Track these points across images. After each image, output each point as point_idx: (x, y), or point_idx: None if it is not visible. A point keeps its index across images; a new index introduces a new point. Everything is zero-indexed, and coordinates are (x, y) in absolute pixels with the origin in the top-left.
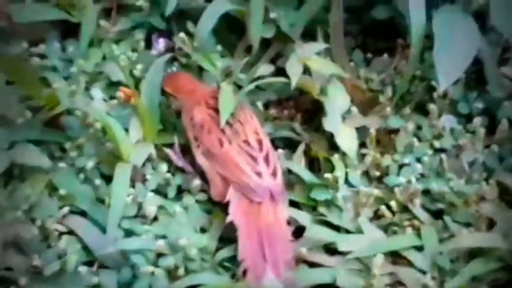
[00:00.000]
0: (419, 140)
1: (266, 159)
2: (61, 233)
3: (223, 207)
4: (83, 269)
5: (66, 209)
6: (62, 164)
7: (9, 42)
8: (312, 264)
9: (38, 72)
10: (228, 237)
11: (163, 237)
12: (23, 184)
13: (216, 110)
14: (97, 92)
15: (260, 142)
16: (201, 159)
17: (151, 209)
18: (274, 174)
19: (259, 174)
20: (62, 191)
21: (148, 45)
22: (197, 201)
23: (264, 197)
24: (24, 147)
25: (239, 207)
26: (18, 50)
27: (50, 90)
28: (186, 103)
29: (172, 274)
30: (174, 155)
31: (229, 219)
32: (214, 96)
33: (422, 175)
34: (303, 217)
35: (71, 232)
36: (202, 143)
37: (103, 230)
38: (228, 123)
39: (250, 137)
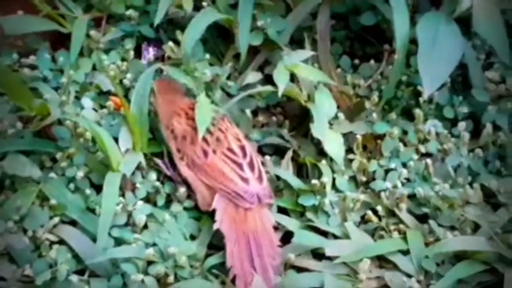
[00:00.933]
0: (405, 145)
1: (250, 164)
2: (52, 243)
3: (211, 214)
4: (74, 277)
5: (57, 219)
6: (52, 174)
7: (0, 54)
8: (300, 269)
9: (28, 83)
10: (217, 244)
11: (153, 245)
12: (14, 194)
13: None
14: (87, 101)
15: (243, 148)
16: (185, 171)
17: (140, 218)
18: (259, 178)
19: (245, 180)
20: (52, 201)
21: (138, 54)
22: (185, 208)
23: (253, 202)
24: (15, 157)
25: (225, 215)
26: (9, 61)
27: (40, 101)
28: (164, 113)
29: (162, 281)
30: (163, 165)
31: (215, 226)
32: (193, 107)
33: (408, 180)
34: (291, 223)
35: (62, 241)
36: (185, 154)
37: (94, 239)
38: (209, 132)
39: (232, 144)
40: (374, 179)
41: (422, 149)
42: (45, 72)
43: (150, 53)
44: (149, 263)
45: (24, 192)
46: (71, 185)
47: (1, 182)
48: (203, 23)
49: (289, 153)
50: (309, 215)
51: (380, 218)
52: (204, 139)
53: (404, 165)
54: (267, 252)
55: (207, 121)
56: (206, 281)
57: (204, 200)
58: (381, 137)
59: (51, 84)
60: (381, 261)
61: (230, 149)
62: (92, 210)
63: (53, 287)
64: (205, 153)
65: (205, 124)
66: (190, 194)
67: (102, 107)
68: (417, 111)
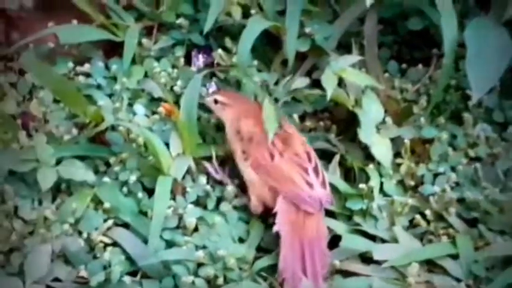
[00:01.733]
0: (454, 149)
1: (315, 169)
2: (106, 245)
3: (261, 217)
4: (127, 279)
5: (110, 222)
6: (106, 178)
7: (56, 62)
8: (348, 274)
9: (83, 90)
10: (266, 247)
11: (203, 247)
12: (69, 198)
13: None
14: (140, 108)
15: (308, 153)
16: (248, 172)
17: (191, 221)
18: (323, 184)
19: (310, 185)
20: (106, 204)
21: (188, 61)
22: (235, 207)
23: (316, 207)
24: (70, 162)
25: (286, 218)
26: (65, 70)
27: (95, 108)
28: (233, 115)
29: (212, 283)
30: (211, 168)
31: (275, 228)
32: (260, 110)
33: (457, 184)
34: (338, 227)
35: (115, 244)
36: (250, 155)
37: (146, 241)
38: (276, 135)
39: (298, 148)
40: (422, 183)
41: (472, 153)
42: (99, 79)
43: (200, 60)
44: (200, 265)
45: (80, 195)
46: (124, 189)
47: (57, 186)
48: (254, 31)
49: (337, 158)
50: (356, 219)
51: (428, 222)
52: (272, 142)
53: (453, 169)
54: (319, 260)
55: (275, 125)
56: (255, 283)
57: (260, 202)
58: (430, 141)
59: (105, 92)
60: (430, 265)
61: (296, 153)
62: (145, 213)
63: None
64: (272, 155)
65: (273, 128)
66: (238, 194)
67: (154, 113)
68: (466, 115)
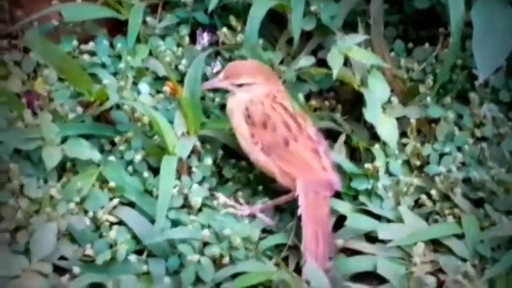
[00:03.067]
0: (460, 128)
1: (326, 152)
2: (112, 224)
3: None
4: (133, 257)
5: (116, 201)
6: (111, 157)
7: (61, 40)
8: (352, 253)
9: (88, 68)
10: (270, 228)
11: (208, 226)
12: (75, 177)
13: (283, 106)
14: (144, 87)
15: (317, 135)
16: (258, 156)
17: (196, 200)
18: (333, 166)
19: (325, 168)
20: (112, 183)
21: (193, 40)
22: None
23: (332, 190)
24: (76, 141)
25: (307, 200)
26: (69, 48)
27: (99, 86)
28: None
29: (217, 262)
30: (237, 207)
31: (300, 212)
32: (280, 90)
33: (463, 164)
34: (343, 206)
35: (121, 222)
36: (262, 140)
37: (151, 220)
38: (292, 117)
39: (310, 131)
40: (428, 163)
41: (478, 133)
42: (103, 58)
43: (204, 38)
44: (205, 244)
45: (85, 174)
46: (130, 168)
47: (63, 165)
48: (261, 10)
49: (342, 138)
50: (362, 198)
51: (434, 202)
52: (287, 126)
53: (459, 149)
54: (330, 240)
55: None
56: (260, 262)
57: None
58: (436, 121)
59: (109, 70)
60: (436, 245)
61: (309, 137)
62: (150, 193)
63: (112, 267)
64: (286, 141)
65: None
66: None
67: (158, 92)
68: (473, 95)
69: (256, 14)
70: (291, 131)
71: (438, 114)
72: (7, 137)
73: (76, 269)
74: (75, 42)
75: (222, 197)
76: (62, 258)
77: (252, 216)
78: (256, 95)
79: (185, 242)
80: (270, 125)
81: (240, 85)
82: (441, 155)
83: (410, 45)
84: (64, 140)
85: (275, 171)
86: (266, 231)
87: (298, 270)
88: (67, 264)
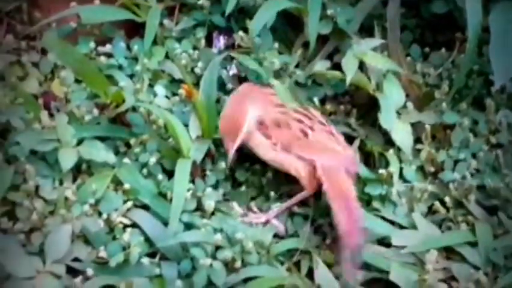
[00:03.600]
0: (475, 135)
1: (338, 132)
2: (125, 226)
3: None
4: (146, 260)
5: (130, 203)
6: (126, 160)
7: (78, 42)
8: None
9: (104, 70)
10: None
11: (221, 230)
12: (90, 179)
13: (283, 106)
14: (160, 89)
15: (325, 119)
16: (279, 157)
17: (209, 204)
18: (347, 145)
19: (344, 148)
20: (126, 186)
21: (209, 43)
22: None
23: (354, 164)
24: (91, 143)
25: (331, 180)
26: (86, 50)
27: (116, 88)
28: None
29: (229, 266)
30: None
31: (325, 190)
32: (274, 93)
33: (478, 170)
34: None
35: (134, 225)
36: (280, 139)
37: (165, 223)
38: (297, 112)
39: (319, 117)
40: (442, 170)
41: (493, 139)
42: (120, 60)
43: (221, 41)
44: (218, 248)
45: (100, 176)
46: (144, 170)
47: (78, 167)
48: (271, 10)
49: (357, 142)
50: (375, 204)
51: (448, 209)
52: (298, 119)
53: (474, 156)
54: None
55: (289, 98)
56: (272, 267)
57: (306, 181)
58: (451, 127)
59: (126, 72)
60: (449, 252)
61: (320, 122)
62: (164, 196)
63: (125, 269)
64: (305, 132)
65: (288, 100)
66: None
67: (174, 94)
68: (489, 101)
69: (265, 12)
70: (303, 122)
71: (454, 120)
72: (24, 138)
73: (89, 271)
74: (92, 44)
75: (236, 207)
76: (76, 260)
77: (266, 222)
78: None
79: (198, 245)
80: (283, 124)
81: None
82: (456, 162)
83: (427, 49)
84: (79, 142)
85: (298, 167)
86: (278, 236)
87: (310, 275)
88: (81, 266)
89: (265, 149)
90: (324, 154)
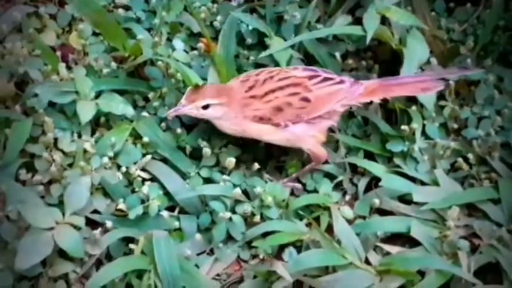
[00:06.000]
0: (500, 92)
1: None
2: (144, 179)
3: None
4: (165, 213)
5: (149, 156)
6: (145, 113)
7: None
8: (386, 214)
9: (122, 23)
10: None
11: (240, 186)
12: (108, 132)
13: (267, 93)
14: (179, 43)
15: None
16: (293, 133)
17: (230, 160)
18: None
19: (343, 81)
20: (145, 139)
21: None
22: None
23: (362, 92)
24: (110, 96)
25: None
26: (104, 2)
27: (134, 41)
28: (235, 109)
29: (248, 221)
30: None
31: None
32: (245, 85)
33: (502, 128)
34: (377, 168)
35: (153, 178)
36: (288, 119)
37: (184, 176)
38: (280, 86)
39: (304, 74)
40: (466, 127)
41: None
42: (138, 13)
43: None
44: (237, 202)
45: (119, 129)
46: (163, 124)
47: (96, 120)
48: None
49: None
50: (396, 160)
51: (470, 166)
52: (290, 92)
53: (498, 112)
54: None
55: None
56: (292, 222)
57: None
58: (475, 83)
59: (144, 25)
60: (470, 209)
61: (308, 77)
62: (183, 149)
63: (144, 222)
64: (306, 99)
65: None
66: None
67: (193, 48)
68: None
69: None
70: (297, 91)
71: (478, 77)
72: (42, 90)
73: (109, 223)
74: None
75: (256, 165)
76: (95, 212)
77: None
78: (226, 113)
79: (217, 199)
80: (282, 105)
81: (206, 107)
82: (480, 119)
83: (452, 5)
84: (98, 95)
85: (314, 133)
86: (293, 194)
87: (329, 231)
88: (100, 218)
89: (270, 134)
90: (332, 98)
